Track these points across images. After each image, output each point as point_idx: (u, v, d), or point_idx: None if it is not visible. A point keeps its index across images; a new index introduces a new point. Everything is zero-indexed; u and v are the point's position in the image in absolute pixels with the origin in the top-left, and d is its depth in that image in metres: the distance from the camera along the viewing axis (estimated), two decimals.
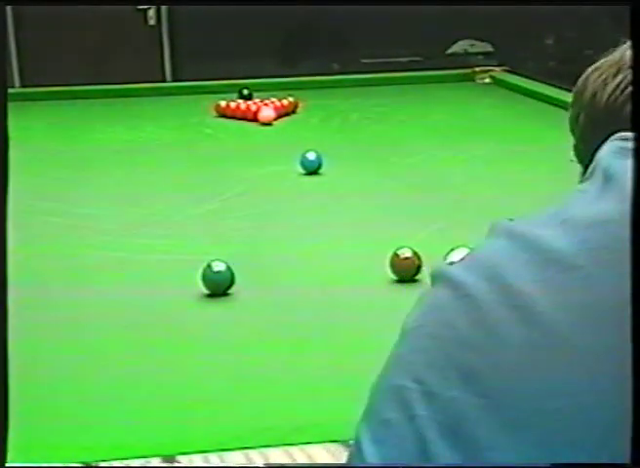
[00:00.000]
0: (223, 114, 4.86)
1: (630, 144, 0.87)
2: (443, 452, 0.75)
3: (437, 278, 0.86)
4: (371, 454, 0.80)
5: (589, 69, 1.07)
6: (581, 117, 1.07)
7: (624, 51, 1.03)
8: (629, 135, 0.90)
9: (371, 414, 0.82)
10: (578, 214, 0.83)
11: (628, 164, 0.81)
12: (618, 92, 1.01)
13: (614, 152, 0.91)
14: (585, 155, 1.00)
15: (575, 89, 1.09)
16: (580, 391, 0.73)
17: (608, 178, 0.86)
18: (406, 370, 0.81)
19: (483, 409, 0.75)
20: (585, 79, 1.07)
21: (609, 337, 0.73)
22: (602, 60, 1.06)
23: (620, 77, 1.01)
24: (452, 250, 2.35)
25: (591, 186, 0.88)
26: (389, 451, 0.79)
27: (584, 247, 0.78)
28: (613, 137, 0.94)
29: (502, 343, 0.76)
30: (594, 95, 1.04)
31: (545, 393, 0.74)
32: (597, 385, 0.72)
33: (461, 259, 0.88)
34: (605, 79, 1.03)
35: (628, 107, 0.98)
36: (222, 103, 4.89)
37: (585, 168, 0.98)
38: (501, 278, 0.79)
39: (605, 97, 1.02)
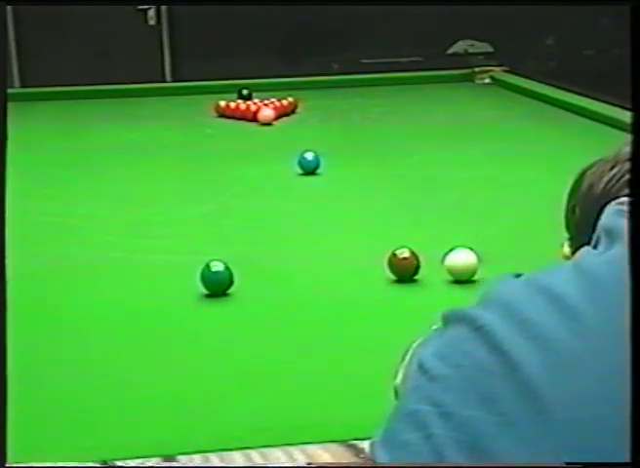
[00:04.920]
0: (223, 114, 4.86)
1: (626, 207, 0.95)
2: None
3: (451, 319, 0.90)
4: None
5: (584, 168, 1.14)
6: (577, 210, 1.13)
7: (620, 149, 1.08)
8: (625, 199, 0.98)
9: (388, 439, 0.86)
10: (590, 260, 0.90)
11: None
12: (613, 181, 1.07)
13: (613, 214, 0.97)
14: (582, 246, 1.04)
15: (571, 185, 1.16)
16: (596, 402, 0.77)
17: (612, 235, 0.92)
18: (423, 397, 0.84)
19: (499, 425, 0.78)
20: (582, 175, 1.14)
21: (621, 354, 0.77)
22: (597, 160, 1.12)
23: (615, 170, 1.08)
24: (451, 250, 2.35)
25: (600, 246, 0.95)
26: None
27: (597, 282, 0.84)
28: (610, 204, 1.01)
29: (519, 366, 0.80)
30: (590, 187, 1.10)
31: (561, 405, 0.77)
32: (611, 396, 0.76)
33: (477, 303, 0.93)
34: (601, 173, 1.09)
35: (623, 193, 1.03)
36: (222, 103, 4.89)
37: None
38: (518, 314, 0.84)
39: (601, 186, 1.08)
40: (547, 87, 5.05)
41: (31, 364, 1.90)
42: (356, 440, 1.51)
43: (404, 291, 2.31)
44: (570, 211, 1.14)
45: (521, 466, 0.77)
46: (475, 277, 2.29)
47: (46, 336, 2.11)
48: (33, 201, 3.29)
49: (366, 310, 2.21)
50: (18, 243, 2.43)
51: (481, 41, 7.43)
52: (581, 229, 1.08)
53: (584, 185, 1.10)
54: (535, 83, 5.22)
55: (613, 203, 1.00)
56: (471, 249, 2.34)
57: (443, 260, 2.34)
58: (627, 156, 1.04)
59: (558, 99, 4.73)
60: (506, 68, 5.79)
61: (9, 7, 6.16)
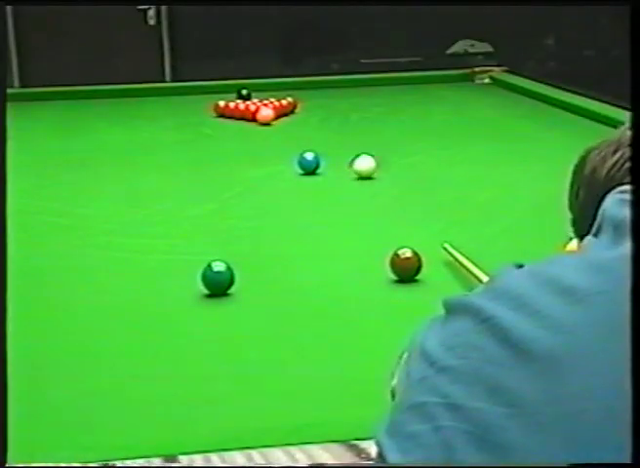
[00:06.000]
0: (222, 114, 4.86)
1: (629, 196, 0.94)
2: (470, 458, 0.78)
3: (455, 308, 0.90)
4: (398, 462, 0.83)
5: (587, 149, 1.13)
6: (581, 193, 1.12)
7: (623, 131, 1.08)
8: (627, 187, 0.97)
9: (395, 430, 0.85)
10: (597, 255, 0.89)
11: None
12: (617, 167, 1.06)
13: (616, 203, 0.96)
14: (585, 230, 1.03)
15: (574, 167, 1.15)
16: (607, 394, 0.77)
17: (617, 227, 0.91)
18: (430, 389, 0.84)
19: (509, 417, 0.78)
20: (584, 157, 1.13)
21: (632, 348, 0.77)
22: (600, 141, 1.11)
23: (618, 154, 1.07)
24: (357, 156, 2.37)
25: (603, 235, 0.94)
26: (416, 460, 0.82)
27: (609, 276, 0.83)
28: (613, 191, 1.00)
29: (529, 356, 0.80)
30: (594, 170, 1.09)
31: (571, 397, 0.77)
32: (621, 388, 0.76)
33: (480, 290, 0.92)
34: (604, 156, 1.08)
35: (627, 180, 1.03)
36: (221, 103, 4.89)
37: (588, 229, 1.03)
38: (527, 305, 0.84)
39: (604, 171, 1.07)
40: (547, 87, 5.05)
41: (32, 364, 1.90)
42: (357, 440, 1.51)
43: (405, 290, 2.31)
44: (573, 194, 1.13)
45: (524, 467, 0.77)
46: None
47: (46, 336, 2.11)
48: (33, 201, 3.28)
49: (367, 310, 2.21)
50: (18, 243, 2.43)
51: (481, 41, 7.43)
52: (585, 213, 1.07)
53: (587, 169, 1.09)
54: (535, 83, 5.22)
55: (615, 191, 0.99)
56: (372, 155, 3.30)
57: (351, 165, 3.29)
58: (630, 140, 1.04)
59: (558, 99, 4.73)
60: (506, 68, 5.79)
61: (9, 7, 6.16)
